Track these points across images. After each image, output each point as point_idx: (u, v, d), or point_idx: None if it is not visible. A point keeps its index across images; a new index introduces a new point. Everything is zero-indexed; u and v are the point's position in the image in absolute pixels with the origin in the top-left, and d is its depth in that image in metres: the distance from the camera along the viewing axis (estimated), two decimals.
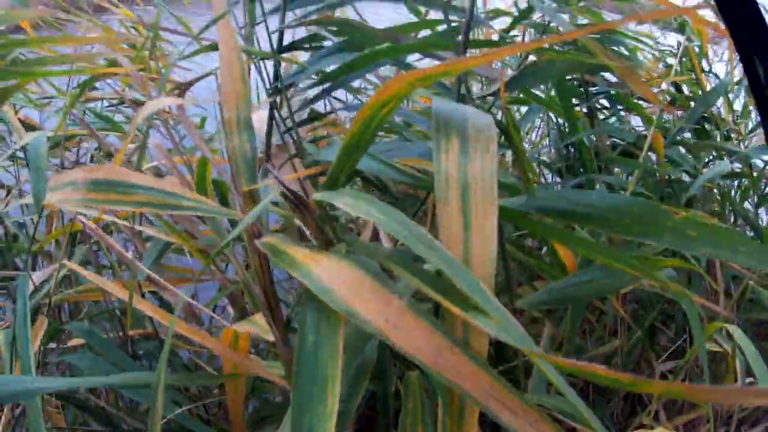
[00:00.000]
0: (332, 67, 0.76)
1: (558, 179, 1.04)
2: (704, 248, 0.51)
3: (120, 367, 0.82)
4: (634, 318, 0.95)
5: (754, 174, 1.05)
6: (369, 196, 0.49)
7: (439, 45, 0.64)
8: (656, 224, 0.52)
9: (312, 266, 0.46)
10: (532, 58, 0.79)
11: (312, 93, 0.89)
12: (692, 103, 1.17)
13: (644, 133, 1.03)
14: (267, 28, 0.85)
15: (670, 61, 1.35)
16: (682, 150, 1.10)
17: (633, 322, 0.94)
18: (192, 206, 0.57)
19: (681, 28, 1.13)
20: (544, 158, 1.09)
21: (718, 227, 0.52)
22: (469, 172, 0.47)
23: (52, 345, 0.92)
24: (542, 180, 1.07)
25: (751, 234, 1.04)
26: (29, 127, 0.99)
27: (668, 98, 1.00)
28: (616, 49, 0.99)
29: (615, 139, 0.98)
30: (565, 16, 0.65)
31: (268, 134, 0.89)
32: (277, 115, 0.84)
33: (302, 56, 1.03)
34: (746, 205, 1.19)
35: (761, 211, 1.27)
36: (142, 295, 0.86)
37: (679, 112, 1.03)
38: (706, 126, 1.12)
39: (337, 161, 0.52)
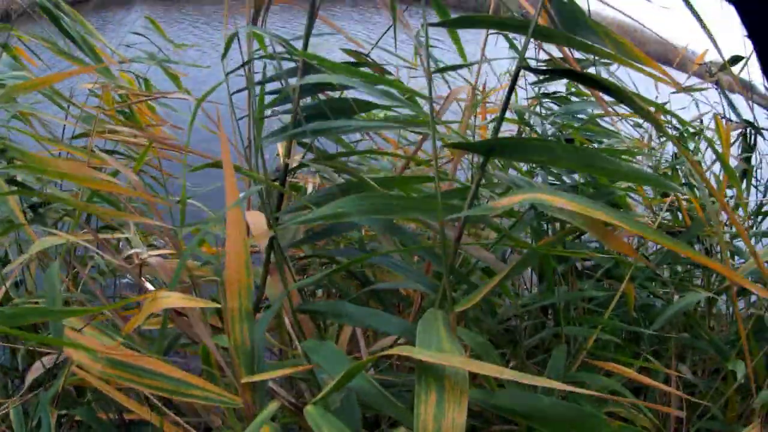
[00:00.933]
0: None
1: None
2: None
3: None
4: None
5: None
6: None
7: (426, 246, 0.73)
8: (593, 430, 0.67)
9: None
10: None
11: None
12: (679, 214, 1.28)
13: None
14: (261, 153, 0.93)
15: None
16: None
17: None
18: (199, 394, 0.69)
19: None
20: None
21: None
22: (442, 427, 0.59)
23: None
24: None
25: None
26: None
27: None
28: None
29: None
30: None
31: (267, 254, 0.99)
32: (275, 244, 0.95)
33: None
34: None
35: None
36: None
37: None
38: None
39: (335, 385, 0.64)
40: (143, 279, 0.93)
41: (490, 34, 1.02)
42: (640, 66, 0.80)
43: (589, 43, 0.80)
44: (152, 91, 1.42)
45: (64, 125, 1.36)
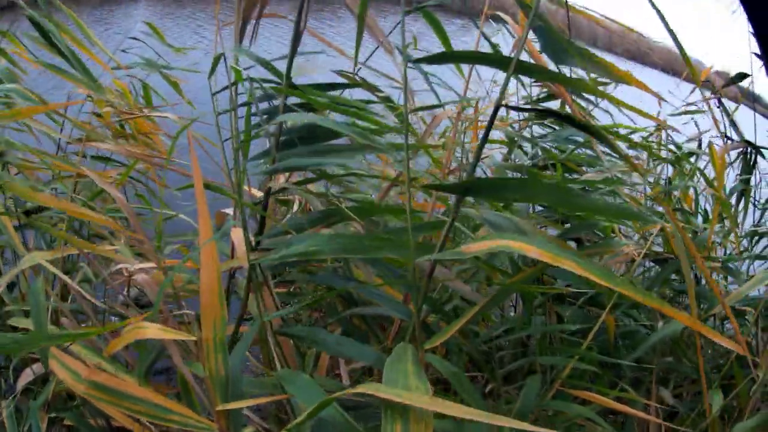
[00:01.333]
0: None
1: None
2: None
3: None
4: None
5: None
6: None
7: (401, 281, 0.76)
8: None
9: None
10: None
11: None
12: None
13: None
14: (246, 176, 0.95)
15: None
16: None
17: None
18: (176, 419, 0.72)
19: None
20: None
21: None
22: None
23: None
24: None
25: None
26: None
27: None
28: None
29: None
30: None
31: (249, 276, 1.02)
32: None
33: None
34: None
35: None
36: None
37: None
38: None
39: (307, 414, 0.67)
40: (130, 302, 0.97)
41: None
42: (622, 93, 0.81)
43: (570, 73, 0.81)
44: (150, 98, 1.44)
45: (61, 130, 1.40)
